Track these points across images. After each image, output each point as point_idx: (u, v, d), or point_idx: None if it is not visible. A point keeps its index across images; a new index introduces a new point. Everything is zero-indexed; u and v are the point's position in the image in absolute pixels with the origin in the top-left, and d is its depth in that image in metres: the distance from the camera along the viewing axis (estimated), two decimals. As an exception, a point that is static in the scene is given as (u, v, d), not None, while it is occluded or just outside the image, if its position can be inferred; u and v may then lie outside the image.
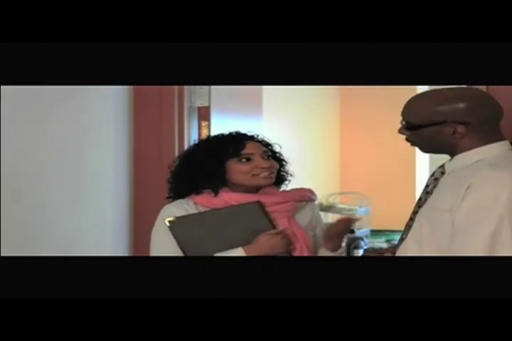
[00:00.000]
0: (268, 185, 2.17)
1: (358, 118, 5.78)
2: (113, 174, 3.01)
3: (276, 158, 2.20)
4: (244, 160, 2.11)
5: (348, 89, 5.66)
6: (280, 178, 2.23)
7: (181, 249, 2.07)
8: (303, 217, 2.21)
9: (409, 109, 1.90)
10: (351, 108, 5.90)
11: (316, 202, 2.33)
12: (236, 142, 2.14)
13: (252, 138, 2.19)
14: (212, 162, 2.12)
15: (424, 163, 5.55)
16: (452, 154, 1.89)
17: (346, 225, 2.19)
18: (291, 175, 2.26)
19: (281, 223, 2.12)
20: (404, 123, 1.90)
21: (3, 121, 2.40)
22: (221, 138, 2.19)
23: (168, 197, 2.22)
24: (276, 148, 2.23)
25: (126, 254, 3.04)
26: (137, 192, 3.08)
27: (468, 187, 1.75)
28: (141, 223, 3.07)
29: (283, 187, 2.26)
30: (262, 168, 2.11)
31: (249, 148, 2.13)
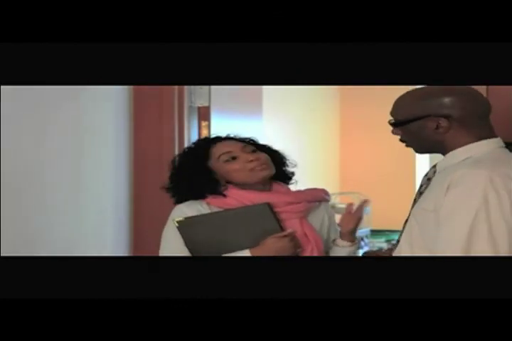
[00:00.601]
0: (277, 183, 2.17)
1: (358, 118, 5.78)
2: (113, 174, 3.01)
3: (263, 151, 2.17)
4: (230, 159, 2.11)
5: (348, 89, 5.66)
6: (284, 172, 2.21)
7: (189, 250, 2.07)
8: (316, 218, 2.19)
9: (396, 106, 1.92)
10: (351, 108, 5.91)
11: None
12: (204, 144, 2.15)
13: (222, 139, 2.18)
14: (196, 170, 2.11)
15: (424, 163, 5.55)
16: (444, 153, 1.88)
17: (359, 215, 2.17)
18: (294, 166, 2.24)
19: (293, 224, 2.10)
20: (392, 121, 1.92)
21: (3, 121, 2.40)
22: (193, 147, 2.20)
23: (175, 203, 2.21)
24: (257, 141, 2.21)
25: (126, 254, 3.04)
26: (137, 192, 3.08)
27: (448, 186, 1.74)
28: (141, 223, 3.07)
29: (293, 183, 2.24)
30: (250, 161, 2.09)
31: (224, 147, 2.13)
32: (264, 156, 2.14)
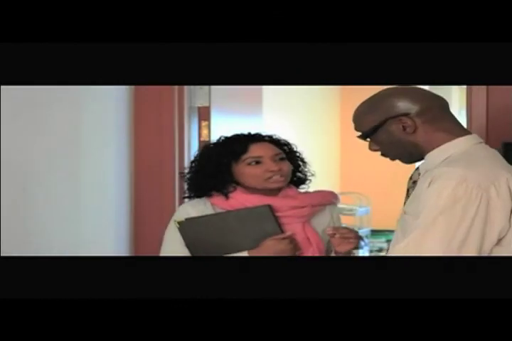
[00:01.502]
0: (288, 186, 2.15)
1: (358, 118, 5.78)
2: (113, 174, 3.02)
3: (292, 159, 2.17)
4: (253, 163, 2.10)
5: (349, 89, 5.67)
6: (300, 178, 2.21)
7: (189, 250, 2.06)
8: (321, 221, 2.17)
9: (355, 121, 1.89)
10: (351, 108, 5.90)
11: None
12: (242, 145, 2.11)
13: (262, 139, 2.15)
14: (218, 166, 2.10)
15: (424, 163, 5.54)
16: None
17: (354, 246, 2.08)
18: (312, 175, 2.24)
19: (296, 228, 2.09)
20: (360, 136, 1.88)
21: (3, 121, 2.40)
22: (228, 140, 2.16)
23: (184, 197, 2.23)
24: (293, 148, 2.20)
25: (126, 254, 3.04)
26: (137, 192, 3.08)
27: (427, 187, 1.71)
28: (141, 223, 3.07)
29: (304, 187, 2.24)
30: (272, 171, 2.08)
31: (257, 151, 2.11)
32: (287, 167, 2.12)
